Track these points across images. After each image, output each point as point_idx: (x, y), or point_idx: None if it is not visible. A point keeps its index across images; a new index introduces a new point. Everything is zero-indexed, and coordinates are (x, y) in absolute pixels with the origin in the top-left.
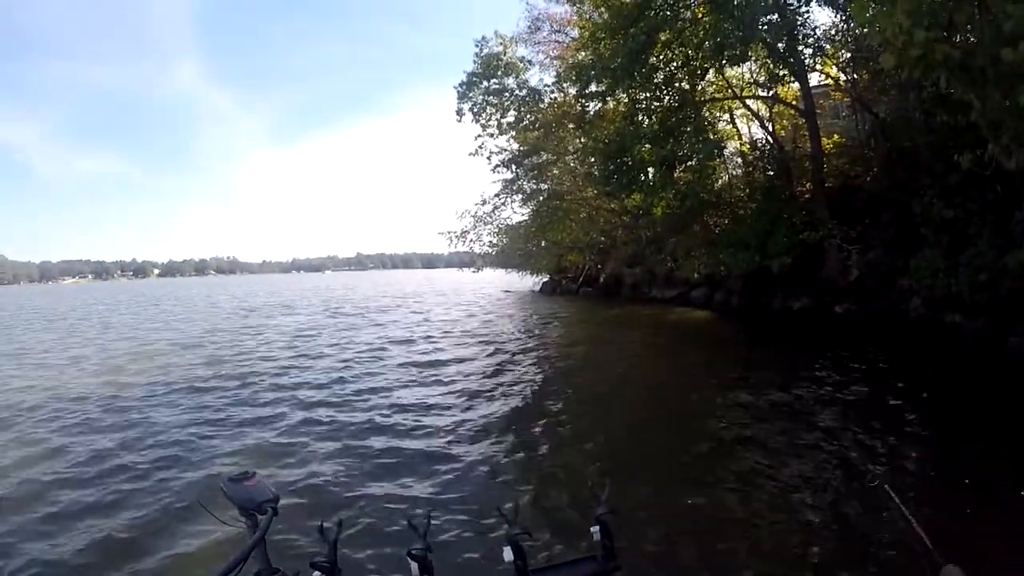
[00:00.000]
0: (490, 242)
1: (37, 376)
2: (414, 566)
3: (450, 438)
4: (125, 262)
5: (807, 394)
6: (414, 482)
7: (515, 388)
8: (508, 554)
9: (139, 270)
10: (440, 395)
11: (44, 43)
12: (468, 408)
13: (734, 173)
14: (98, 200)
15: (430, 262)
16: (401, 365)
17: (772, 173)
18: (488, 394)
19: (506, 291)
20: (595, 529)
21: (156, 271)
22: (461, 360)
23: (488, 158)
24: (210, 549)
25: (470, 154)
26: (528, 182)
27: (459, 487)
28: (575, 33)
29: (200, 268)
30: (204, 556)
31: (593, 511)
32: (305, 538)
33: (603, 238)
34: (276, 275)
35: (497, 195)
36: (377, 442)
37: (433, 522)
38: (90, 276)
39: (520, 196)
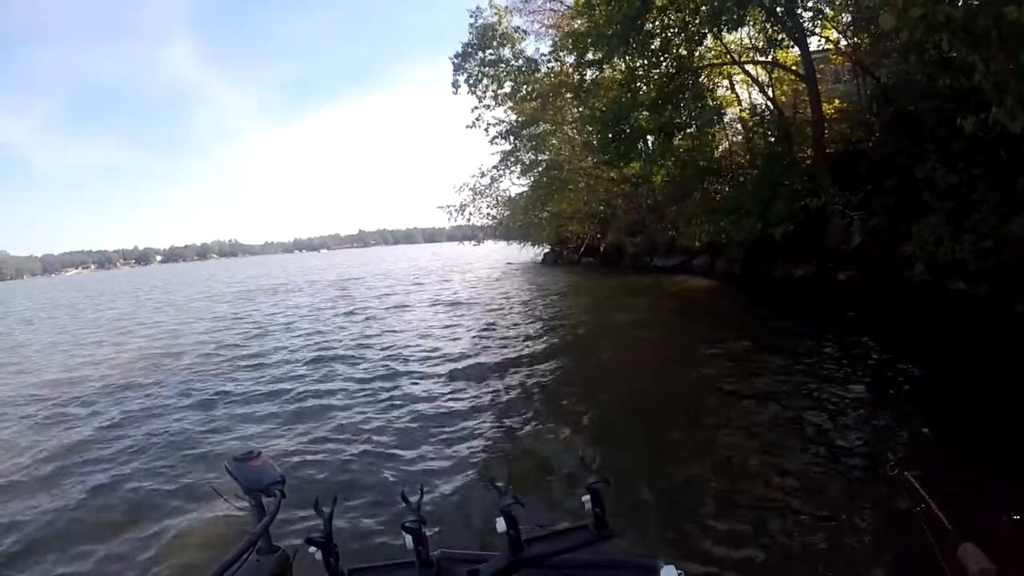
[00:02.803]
0: (490, 215)
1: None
2: (408, 538)
3: (443, 409)
4: (127, 250)
5: (810, 366)
6: (407, 455)
7: (512, 359)
8: (501, 524)
9: (141, 257)
10: (435, 366)
11: (31, 33)
12: (463, 379)
13: (734, 140)
14: (97, 190)
15: (432, 236)
16: (397, 337)
17: (773, 139)
18: (484, 366)
19: (508, 263)
20: (586, 498)
21: (158, 258)
22: (458, 332)
23: (486, 130)
24: (211, 530)
25: (467, 126)
26: (526, 153)
27: (452, 459)
28: (570, 1)
29: (202, 252)
30: (207, 537)
31: (584, 480)
32: (301, 514)
33: (603, 207)
34: (278, 255)
35: (496, 167)
36: (371, 415)
37: (426, 495)
38: (92, 266)
39: (519, 167)
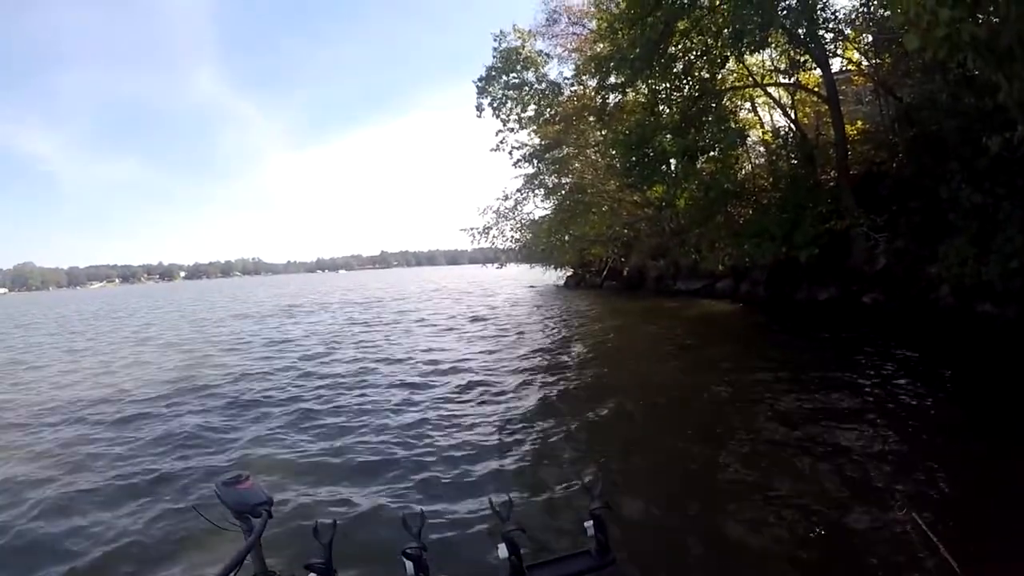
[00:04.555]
0: (513, 237)
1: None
2: (409, 565)
3: (449, 432)
4: (151, 265)
5: (830, 393)
6: (408, 480)
7: (524, 383)
8: (503, 550)
9: (165, 273)
10: (445, 388)
11: (62, 55)
12: (471, 402)
13: (757, 162)
14: (123, 206)
15: (454, 258)
16: (410, 357)
17: (796, 161)
18: (494, 388)
19: (530, 286)
20: (589, 524)
21: (182, 274)
22: (473, 354)
23: (509, 153)
24: (206, 554)
25: (491, 150)
26: (550, 176)
27: (454, 483)
28: (593, 25)
29: (226, 270)
30: (200, 561)
31: (587, 505)
32: (300, 540)
33: (626, 231)
34: (301, 275)
35: (519, 190)
36: (372, 439)
37: (428, 520)
38: (117, 280)
39: (542, 190)
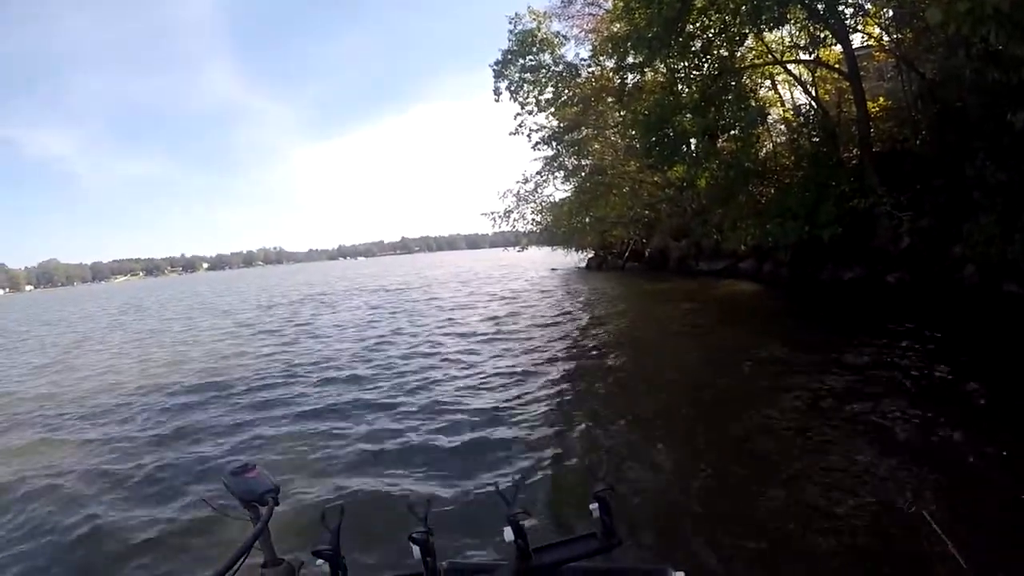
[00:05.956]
0: (534, 220)
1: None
2: (416, 549)
3: (455, 417)
4: (175, 258)
5: (848, 380)
6: (414, 465)
7: (536, 367)
8: (508, 534)
9: (188, 265)
10: (456, 375)
11: (77, 59)
12: (483, 387)
13: (778, 140)
14: (144, 201)
15: (475, 243)
16: (423, 342)
17: (817, 139)
18: (506, 372)
19: (552, 269)
20: (594, 506)
21: (205, 265)
22: (484, 339)
23: (528, 136)
24: (215, 542)
25: (510, 133)
26: (569, 158)
27: (460, 469)
28: (609, 4)
29: (248, 260)
30: (210, 550)
31: (592, 488)
32: (308, 526)
33: (647, 212)
34: (323, 262)
35: (539, 173)
36: (377, 425)
37: (434, 505)
38: (141, 273)
39: (562, 173)
